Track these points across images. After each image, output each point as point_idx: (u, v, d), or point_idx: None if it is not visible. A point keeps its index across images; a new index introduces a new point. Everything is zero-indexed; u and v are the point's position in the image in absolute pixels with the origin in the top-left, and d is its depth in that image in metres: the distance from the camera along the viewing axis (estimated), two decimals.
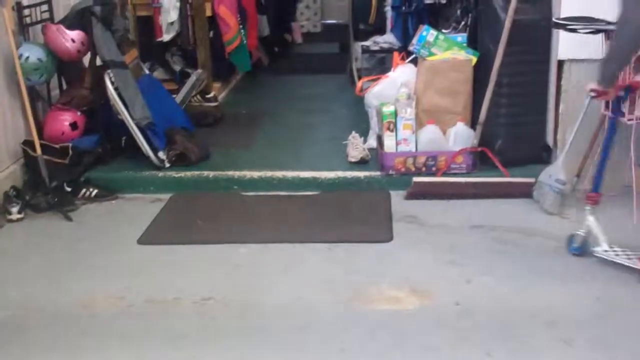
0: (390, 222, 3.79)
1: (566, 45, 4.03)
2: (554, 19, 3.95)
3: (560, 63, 4.12)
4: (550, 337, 2.73)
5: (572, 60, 4.09)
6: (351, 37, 7.09)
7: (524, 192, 4.04)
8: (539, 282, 3.17)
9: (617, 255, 3.21)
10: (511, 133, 4.23)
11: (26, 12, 4.33)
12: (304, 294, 3.09)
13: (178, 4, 5.78)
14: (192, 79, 5.62)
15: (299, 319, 2.90)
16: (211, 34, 5.98)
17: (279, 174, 4.32)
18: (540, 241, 3.57)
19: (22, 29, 4.30)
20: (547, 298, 3.03)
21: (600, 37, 3.63)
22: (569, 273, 3.25)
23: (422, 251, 3.48)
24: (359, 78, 5.47)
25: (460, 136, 4.24)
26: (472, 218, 3.82)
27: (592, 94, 3.18)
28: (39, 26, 4.46)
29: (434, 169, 4.21)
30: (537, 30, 4.12)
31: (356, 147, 4.44)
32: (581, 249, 3.35)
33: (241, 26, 6.05)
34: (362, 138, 4.53)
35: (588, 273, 3.23)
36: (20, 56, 4.14)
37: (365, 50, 6.30)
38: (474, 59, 4.30)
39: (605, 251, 3.24)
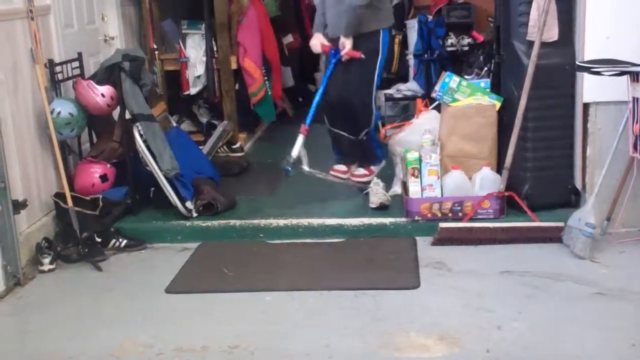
0: (417, 268, 3.76)
1: (591, 88, 4.03)
2: (577, 62, 3.96)
3: (586, 106, 4.12)
4: None
5: (597, 103, 4.08)
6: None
7: (553, 236, 4.00)
8: (571, 328, 3.11)
9: None
10: (538, 177, 4.21)
11: (58, 68, 4.45)
12: (331, 342, 3.07)
13: (204, 59, 5.91)
14: (219, 130, 5.71)
15: None
16: (237, 86, 6.08)
17: (304, 221, 4.34)
18: (572, 286, 3.51)
19: (54, 85, 4.41)
20: (580, 345, 2.97)
21: (625, 78, 3.64)
22: (602, 318, 3.19)
23: (450, 297, 3.45)
24: (383, 126, 5.51)
25: (486, 181, 4.23)
26: (501, 263, 3.78)
27: None
28: (70, 82, 4.58)
29: (460, 214, 4.20)
30: (561, 74, 4.12)
31: (376, 192, 4.43)
32: None
33: (266, 78, 6.15)
34: (384, 184, 4.51)
35: (622, 318, 3.17)
36: (52, 111, 4.24)
37: (389, 98, 6.36)
38: (498, 104, 4.32)
39: None
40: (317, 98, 4.47)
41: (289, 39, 7.53)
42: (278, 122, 6.71)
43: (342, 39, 4.34)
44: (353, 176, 4.65)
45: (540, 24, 3.99)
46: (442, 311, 3.30)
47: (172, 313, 3.44)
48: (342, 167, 4.66)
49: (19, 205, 3.90)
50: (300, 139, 4.37)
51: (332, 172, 4.64)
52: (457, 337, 3.05)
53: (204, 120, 6.20)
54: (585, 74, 3.96)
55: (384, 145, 4.72)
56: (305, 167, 4.41)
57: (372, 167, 4.67)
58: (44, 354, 3.10)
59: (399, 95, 6.33)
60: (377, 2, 4.36)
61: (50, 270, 3.99)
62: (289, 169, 4.36)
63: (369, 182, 4.54)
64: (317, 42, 4.52)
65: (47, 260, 4.00)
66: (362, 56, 4.32)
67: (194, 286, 3.72)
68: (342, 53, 4.34)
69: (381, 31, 4.41)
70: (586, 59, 3.96)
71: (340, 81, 4.43)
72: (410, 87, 6.38)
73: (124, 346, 3.12)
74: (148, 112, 4.52)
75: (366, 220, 4.29)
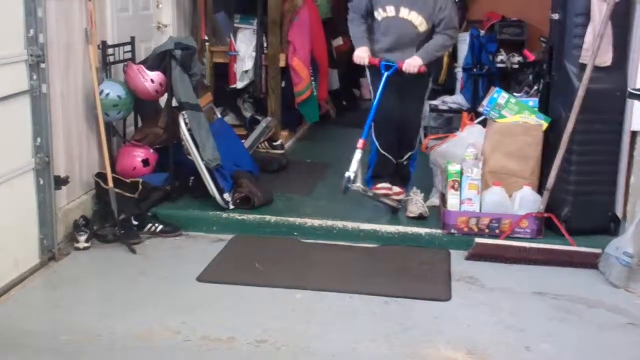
0: (449, 281, 3.74)
1: None
2: (629, 89, 3.91)
3: (634, 134, 4.06)
4: None
5: None
6: None
7: (590, 262, 3.94)
8: (601, 356, 3.07)
9: None
10: (579, 201, 4.15)
11: (110, 51, 4.52)
12: (358, 346, 3.07)
13: (254, 54, 5.95)
14: (262, 126, 5.74)
15: None
16: (283, 84, 6.11)
17: (339, 224, 4.34)
18: (604, 314, 3.46)
19: (105, 67, 4.48)
20: None
21: None
22: (633, 350, 3.13)
23: (481, 313, 3.42)
24: (426, 136, 5.49)
25: (526, 201, 4.18)
26: (535, 284, 3.74)
27: None
28: (120, 65, 4.64)
29: (497, 231, 4.16)
30: (611, 100, 4.07)
31: (416, 203, 4.42)
32: None
33: (313, 78, 6.17)
34: (423, 195, 4.51)
35: None
36: (101, 92, 4.31)
37: (434, 109, 6.34)
38: (546, 124, 4.28)
39: None
40: (371, 114, 4.34)
41: (338, 41, 7.54)
42: (321, 123, 6.73)
43: (417, 58, 4.25)
44: (393, 194, 4.53)
45: (595, 48, 3.95)
46: (472, 326, 3.28)
47: (202, 302, 3.46)
48: (387, 184, 4.54)
49: (60, 182, 3.97)
50: (358, 155, 4.22)
51: (377, 191, 4.49)
52: (485, 354, 3.02)
53: (247, 115, 6.25)
54: (636, 102, 3.90)
55: (424, 155, 4.71)
56: (361, 185, 4.29)
57: (404, 189, 4.59)
58: (73, 329, 3.14)
59: (444, 108, 6.31)
60: None
61: (85, 249, 4.05)
62: (349, 186, 4.20)
63: (400, 202, 4.49)
64: (365, 56, 4.35)
65: (83, 238, 4.06)
66: (426, 70, 4.28)
67: (226, 277, 3.74)
68: (412, 69, 4.22)
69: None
70: (638, 86, 3.90)
71: (395, 99, 4.38)
72: (457, 100, 6.34)
73: (152, 330, 3.15)
74: (195, 102, 4.57)
75: (401, 229, 4.28)
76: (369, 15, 4.41)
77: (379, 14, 4.34)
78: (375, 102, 4.34)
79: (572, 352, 3.08)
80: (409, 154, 4.52)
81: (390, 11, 4.30)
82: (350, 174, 4.19)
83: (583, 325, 3.33)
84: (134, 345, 3.02)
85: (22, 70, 3.64)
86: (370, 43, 4.41)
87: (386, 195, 4.49)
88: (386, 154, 4.49)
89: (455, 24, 4.39)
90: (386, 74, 4.28)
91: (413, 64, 4.23)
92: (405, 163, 4.55)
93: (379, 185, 4.54)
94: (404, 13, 4.27)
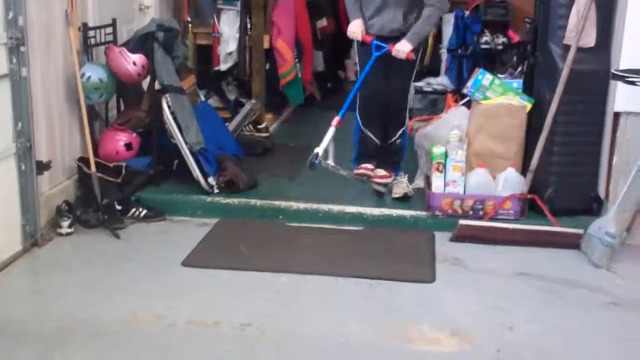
0: (433, 263, 3.76)
1: (624, 98, 4.00)
2: (612, 70, 3.92)
3: (617, 115, 4.08)
4: None
5: (629, 113, 4.05)
6: None
7: (572, 242, 3.97)
8: (584, 336, 3.10)
9: None
10: (562, 182, 4.18)
11: (91, 33, 4.47)
12: (343, 328, 3.08)
13: (237, 35, 5.90)
14: (246, 108, 5.71)
15: (335, 353, 2.89)
16: (267, 66, 6.07)
17: (324, 207, 4.34)
18: (587, 294, 3.49)
19: (86, 49, 4.42)
20: (592, 354, 2.97)
21: None
22: (615, 329, 3.17)
23: (464, 294, 3.44)
24: (410, 118, 5.48)
25: (509, 182, 4.20)
26: (518, 265, 3.77)
27: None
28: (102, 47, 4.59)
29: (481, 213, 4.18)
30: (594, 81, 4.09)
31: (400, 183, 4.43)
32: None
33: (297, 60, 6.14)
34: (407, 176, 4.51)
35: (636, 330, 3.15)
36: (82, 75, 4.26)
37: (418, 90, 6.33)
38: (529, 106, 4.29)
39: None
40: (353, 90, 4.31)
41: (322, 22, 7.50)
42: (305, 105, 6.70)
43: (407, 43, 4.14)
44: (376, 177, 4.45)
45: (579, 29, 3.95)
46: (455, 307, 3.30)
47: (186, 286, 3.46)
48: (369, 165, 4.46)
49: (42, 167, 3.93)
50: (330, 131, 4.17)
51: (356, 170, 4.44)
52: (468, 334, 3.05)
53: (231, 97, 6.21)
54: (619, 83, 3.92)
55: (410, 141, 4.64)
56: (331, 162, 4.23)
57: (392, 173, 4.50)
58: (57, 315, 3.13)
59: (429, 89, 6.30)
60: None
61: (68, 234, 4.02)
62: (315, 162, 4.13)
63: (385, 185, 4.44)
64: (359, 31, 4.24)
65: (66, 223, 4.04)
66: (414, 57, 4.20)
67: (211, 261, 3.73)
68: (401, 54, 4.12)
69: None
70: (622, 67, 3.92)
71: (381, 77, 4.26)
72: (441, 81, 6.34)
73: (137, 315, 3.14)
74: (178, 85, 4.53)
75: (386, 211, 4.28)
76: None
77: None
78: (359, 80, 4.27)
79: (555, 332, 3.11)
80: (400, 130, 4.39)
81: None
82: (319, 149, 4.13)
83: (566, 306, 3.36)
84: (119, 330, 3.01)
85: (1, 54, 3.59)
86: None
87: (364, 176, 4.42)
88: (369, 133, 4.42)
89: None
90: (374, 55, 4.19)
91: (402, 49, 4.13)
92: (397, 142, 4.42)
93: (361, 166, 4.48)
94: None
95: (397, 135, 4.39)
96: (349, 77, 8.16)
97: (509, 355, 2.91)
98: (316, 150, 4.14)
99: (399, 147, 4.46)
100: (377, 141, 4.43)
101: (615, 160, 4.12)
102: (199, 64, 6.04)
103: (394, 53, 4.16)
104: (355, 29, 4.27)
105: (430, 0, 4.16)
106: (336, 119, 4.20)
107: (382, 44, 4.19)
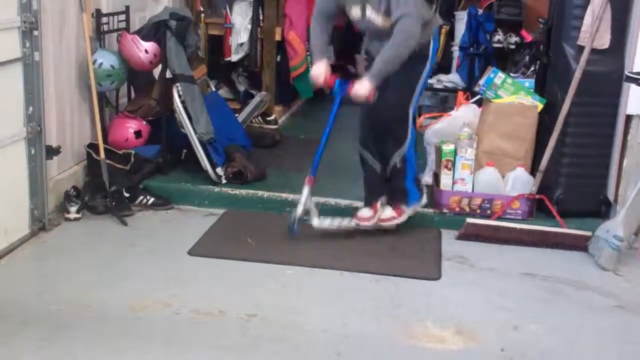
0: (439, 261, 3.75)
1: (636, 100, 3.98)
2: (626, 73, 3.90)
3: (629, 118, 4.06)
4: None
5: None
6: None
7: (580, 244, 3.96)
8: (588, 337, 3.09)
9: None
10: (572, 184, 4.16)
11: (104, 19, 4.46)
12: (348, 322, 3.08)
13: (249, 27, 5.90)
14: (256, 100, 5.70)
15: (339, 347, 2.89)
16: (278, 58, 6.06)
17: (331, 200, 4.33)
18: (593, 296, 3.48)
19: (99, 35, 4.43)
20: (596, 356, 2.96)
21: None
22: (620, 331, 3.16)
23: (470, 292, 3.44)
24: (420, 114, 5.47)
25: (518, 182, 4.19)
26: (524, 265, 3.75)
27: None
28: (114, 35, 4.59)
29: (488, 212, 4.17)
30: (607, 83, 4.06)
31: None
32: None
33: (308, 53, 6.12)
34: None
35: None
36: (94, 61, 4.26)
37: (429, 87, 6.31)
38: (540, 106, 4.27)
39: None
40: (320, 149, 3.85)
41: None
42: (315, 99, 6.69)
43: (366, 82, 3.59)
44: (380, 221, 3.95)
45: (593, 30, 3.93)
46: (460, 305, 3.29)
47: (193, 275, 3.46)
48: (365, 213, 3.95)
49: (52, 151, 3.94)
50: (305, 191, 3.78)
51: (354, 221, 3.94)
52: (473, 333, 3.04)
53: (241, 88, 6.21)
54: (632, 86, 3.89)
55: (419, 140, 4.25)
56: (315, 221, 3.83)
57: (404, 207, 3.96)
58: (62, 300, 3.13)
59: (440, 86, 6.29)
60: (429, 18, 3.72)
61: (75, 219, 4.03)
62: (295, 229, 3.77)
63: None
64: (322, 73, 3.74)
65: (73, 208, 4.04)
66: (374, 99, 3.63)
67: (217, 251, 3.73)
68: (360, 98, 3.60)
69: (431, 40, 3.75)
70: (635, 70, 3.89)
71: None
72: (452, 79, 6.33)
73: (142, 302, 3.14)
74: (189, 74, 4.53)
75: None
76: (335, 18, 3.84)
77: (350, 16, 3.77)
78: (325, 134, 3.83)
79: (560, 332, 3.10)
80: (399, 149, 3.80)
81: (356, 13, 3.71)
82: (297, 212, 3.75)
83: (571, 307, 3.35)
84: (124, 316, 3.02)
85: (14, 37, 3.59)
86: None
87: (358, 223, 3.93)
88: (366, 155, 3.97)
89: (409, 9, 3.52)
90: (339, 97, 3.75)
91: (361, 90, 3.59)
92: (398, 166, 3.84)
93: (359, 214, 3.97)
94: (368, 12, 3.65)
95: (395, 155, 3.83)
96: (359, 72, 8.12)
97: (513, 354, 2.90)
98: (293, 214, 3.77)
99: (400, 171, 3.88)
100: (376, 167, 3.95)
101: (625, 163, 4.10)
102: (210, 54, 6.04)
103: (352, 96, 3.65)
104: (317, 72, 3.78)
105: (396, 24, 3.53)
106: (308, 178, 3.82)
107: (343, 84, 3.71)
